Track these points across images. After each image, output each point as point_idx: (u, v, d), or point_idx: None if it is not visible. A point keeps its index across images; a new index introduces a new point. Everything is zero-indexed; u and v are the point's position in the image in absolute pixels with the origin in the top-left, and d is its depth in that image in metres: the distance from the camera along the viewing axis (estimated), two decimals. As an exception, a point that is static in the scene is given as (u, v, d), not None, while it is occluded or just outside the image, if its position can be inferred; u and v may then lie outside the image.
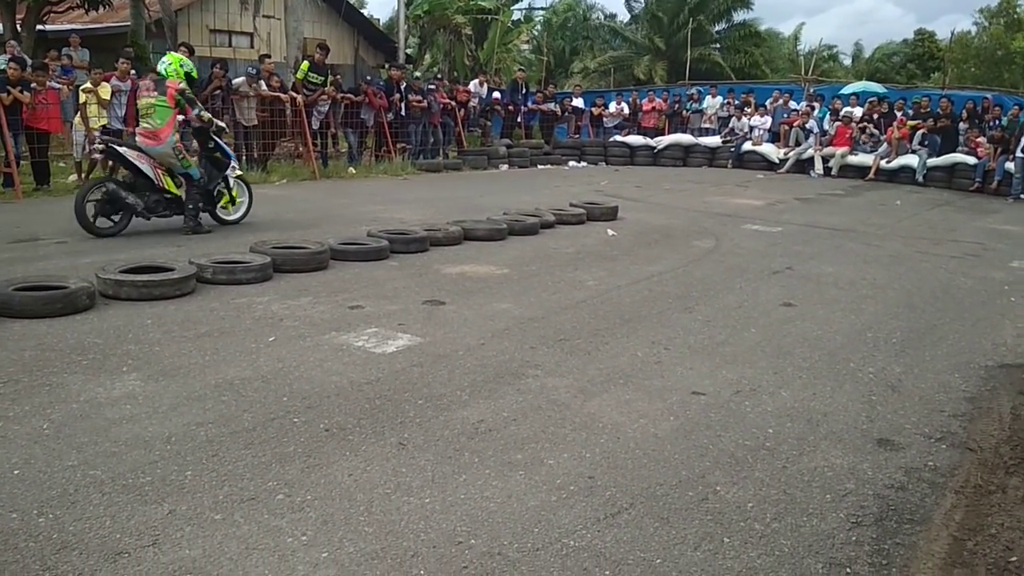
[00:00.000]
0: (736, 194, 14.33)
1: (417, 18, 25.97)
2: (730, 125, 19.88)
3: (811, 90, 20.68)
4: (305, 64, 14.54)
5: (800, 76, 23.83)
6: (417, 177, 15.01)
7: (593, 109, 20.76)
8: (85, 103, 11.34)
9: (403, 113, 15.98)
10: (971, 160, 16.52)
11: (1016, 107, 16.77)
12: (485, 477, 3.40)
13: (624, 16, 35.91)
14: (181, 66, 8.23)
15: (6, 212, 9.60)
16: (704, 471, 3.57)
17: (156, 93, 8.16)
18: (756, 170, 18.51)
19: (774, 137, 19.22)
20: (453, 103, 17.53)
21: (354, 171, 14.80)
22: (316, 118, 14.42)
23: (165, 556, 2.73)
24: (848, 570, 2.87)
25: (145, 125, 8.18)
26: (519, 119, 19.86)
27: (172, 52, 8.89)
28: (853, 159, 17.74)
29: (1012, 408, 4.55)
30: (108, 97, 11.47)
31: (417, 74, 19.39)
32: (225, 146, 9.11)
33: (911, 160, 17.06)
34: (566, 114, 20.47)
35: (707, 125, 20.43)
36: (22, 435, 3.59)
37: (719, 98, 20.71)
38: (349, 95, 14.93)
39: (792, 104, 19.56)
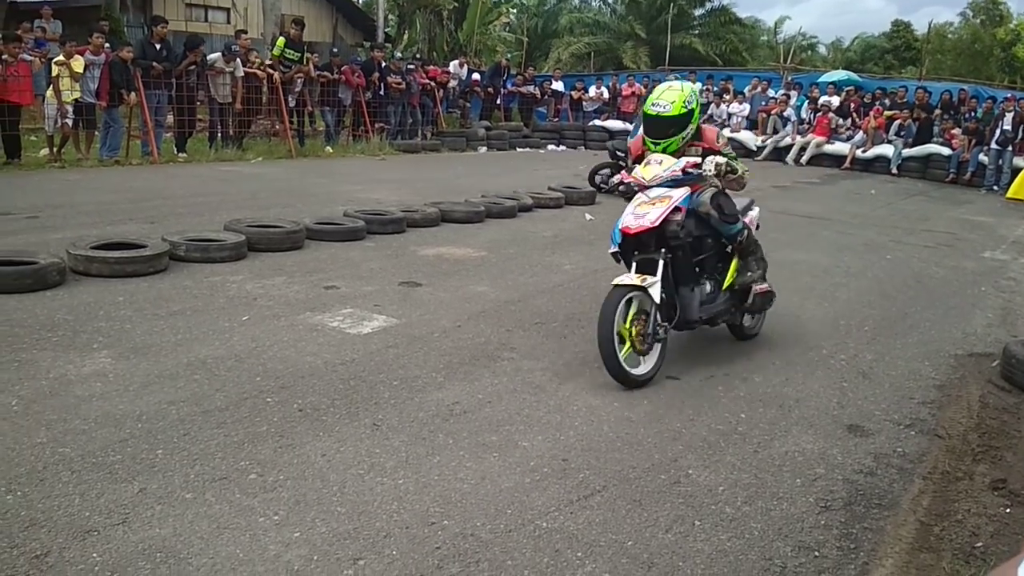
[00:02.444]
0: (713, 181, 14.35)
1: (396, -3, 25.73)
2: (709, 112, 19.90)
3: (789, 78, 20.77)
4: (281, 40, 14.38)
5: (779, 64, 23.90)
6: (395, 158, 14.91)
7: (573, 93, 20.71)
8: (58, 76, 11.12)
9: (382, 93, 15.86)
10: (946, 151, 16.70)
11: (990, 99, 16.96)
12: (459, 459, 3.40)
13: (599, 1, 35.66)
14: None
15: (-25, 185, 9.41)
16: (677, 455, 3.59)
17: None
18: (734, 157, 18.57)
19: (752, 125, 19.29)
20: (432, 84, 17.41)
21: (331, 150, 14.68)
22: (292, 96, 14.26)
23: (135, 535, 2.71)
24: (816, 553, 2.91)
25: None
26: (498, 101, 19.77)
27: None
28: (829, 148, 17.86)
29: (980, 396, 4.62)
30: (81, 70, 11.25)
31: (398, 54, 19.20)
32: None
33: (886, 150, 17.21)
34: (545, 97, 20.41)
35: (686, 111, 20.43)
36: (-11, 412, 3.54)
37: (698, 84, 20.69)
38: (325, 73, 14.77)
39: (770, 92, 19.64)
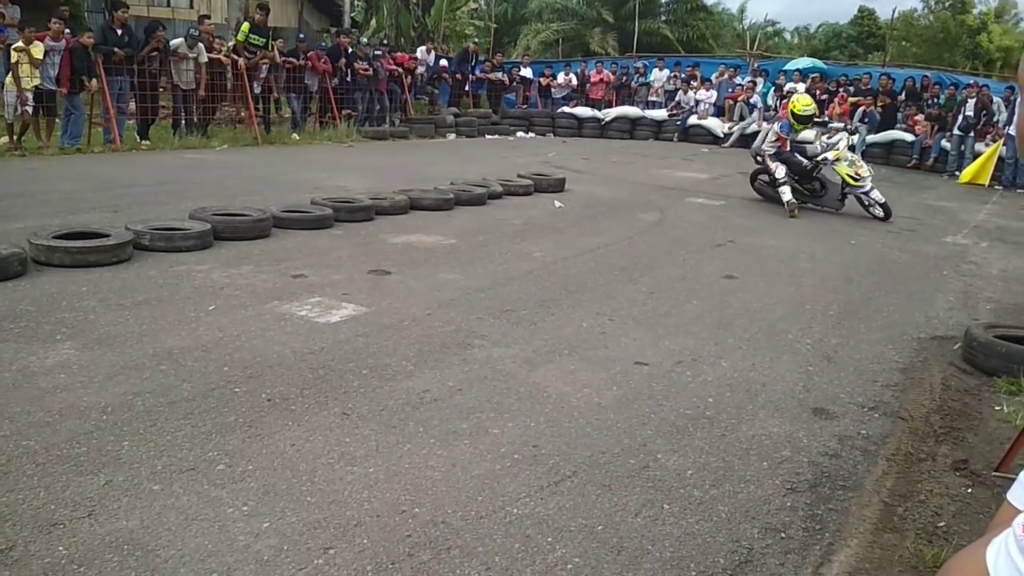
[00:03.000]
0: (681, 167, 14.47)
1: (363, -18, 25.47)
2: (676, 99, 20.01)
3: (756, 65, 20.90)
4: (246, 26, 14.18)
5: (746, 51, 24.01)
6: (362, 145, 14.81)
7: (541, 80, 20.68)
8: (17, 62, 10.87)
9: (348, 79, 15.72)
10: (909, 137, 16.92)
11: (952, 86, 17.20)
12: (430, 446, 3.41)
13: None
14: None
15: (-69, 174, 9.20)
16: (646, 439, 3.62)
17: None
18: (701, 144, 18.70)
19: (719, 111, 19.40)
20: (400, 70, 17.29)
21: (297, 137, 14.54)
22: (258, 82, 14.09)
23: (102, 527, 2.68)
24: (783, 535, 2.95)
25: None
26: (467, 88, 19.68)
27: None
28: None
29: (943, 378, 4.71)
30: (41, 57, 11.02)
31: (364, 39, 19.01)
32: None
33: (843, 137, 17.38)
34: (514, 84, 20.36)
35: (654, 98, 20.52)
36: (-50, 405, 3.47)
37: (666, 71, 20.80)
38: (291, 59, 14.60)
39: (737, 79, 19.75)
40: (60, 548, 2.56)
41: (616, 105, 20.48)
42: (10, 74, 11.00)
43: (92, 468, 3.04)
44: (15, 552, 2.53)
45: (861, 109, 17.45)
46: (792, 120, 10.08)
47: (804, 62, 21.41)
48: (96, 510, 2.77)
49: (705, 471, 3.37)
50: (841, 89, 18.16)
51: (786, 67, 20.28)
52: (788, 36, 41.60)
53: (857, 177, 9.86)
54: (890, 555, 2.92)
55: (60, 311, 4.76)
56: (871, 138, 17.18)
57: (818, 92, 18.38)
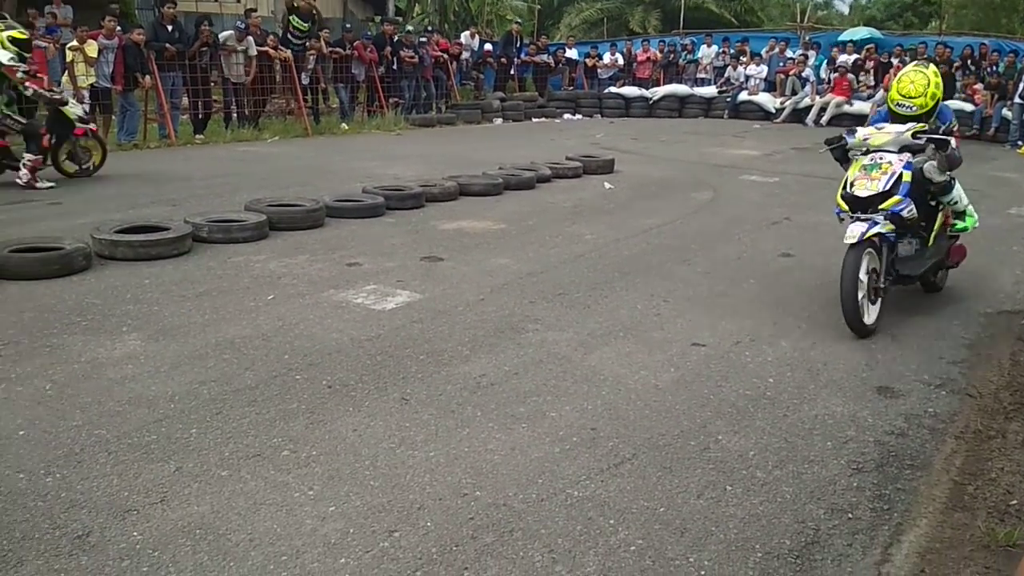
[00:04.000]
0: (733, 145, 14.24)
1: (406, -31, 25.52)
2: (726, 75, 19.66)
3: (807, 38, 20.43)
4: (293, 18, 14.31)
5: (796, 24, 23.49)
6: (410, 132, 14.87)
7: (587, 60, 20.50)
8: (72, 61, 11.15)
9: (395, 67, 15.78)
10: (968, 107, 16.40)
11: (1012, 53, 16.61)
12: (488, 430, 3.42)
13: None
14: None
15: (-3, 173, 9.48)
16: (705, 421, 3.59)
17: None
18: (752, 120, 18.37)
19: (770, 86, 19.03)
20: (445, 56, 17.29)
21: (346, 127, 14.65)
22: (306, 74, 14.23)
23: (174, 512, 2.75)
24: (850, 515, 2.91)
25: None
26: (512, 72, 19.60)
27: None
28: (850, 108, 17.57)
29: (1011, 354, 4.58)
30: (95, 55, 11.27)
31: (409, 27, 19.04)
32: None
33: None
34: (560, 66, 20.21)
35: (703, 75, 20.19)
36: (25, 396, 3.59)
37: (714, 47, 20.43)
38: (338, 49, 14.71)
39: (788, 53, 19.33)
40: (135, 533, 2.64)
41: (664, 83, 20.21)
42: (66, 73, 11.28)
43: (162, 455, 3.12)
44: (92, 538, 2.61)
45: (918, 79, 16.94)
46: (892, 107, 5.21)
47: (859, 32, 20.80)
48: (168, 496, 2.85)
49: (768, 452, 3.33)
50: (896, 59, 17.66)
51: (840, 37, 19.77)
52: (840, 7, 40.65)
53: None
54: (961, 535, 2.85)
55: (125, 303, 4.89)
56: (929, 109, 16.69)
57: (872, 64, 17.94)
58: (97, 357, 4.06)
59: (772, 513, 2.90)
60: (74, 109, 8.84)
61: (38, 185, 8.25)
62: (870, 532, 2.82)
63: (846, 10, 40.29)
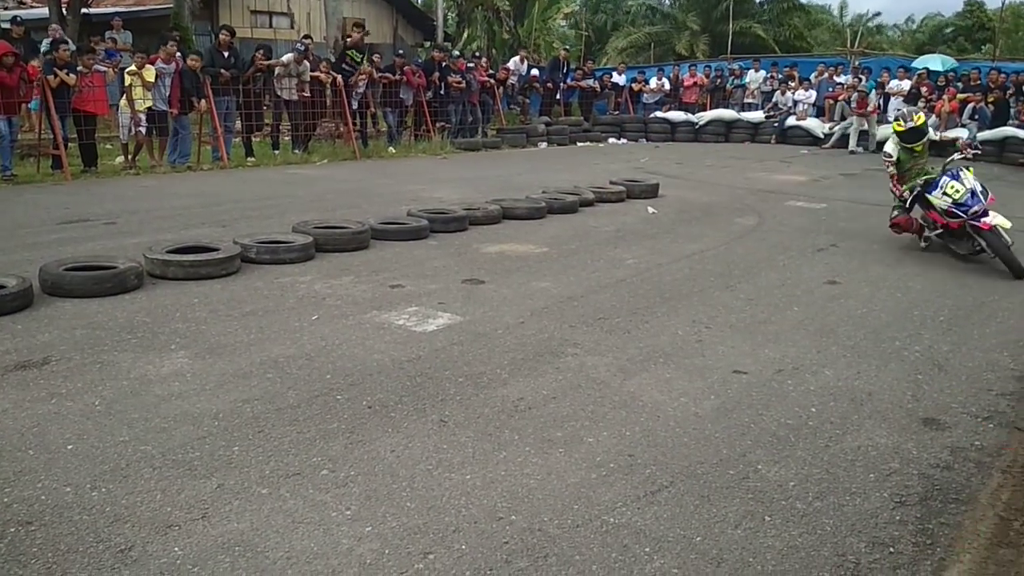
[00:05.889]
0: (779, 170, 14.12)
1: (455, -4, 25.90)
2: (773, 100, 19.55)
3: (857, 63, 20.21)
4: (352, 52, 14.58)
5: (846, 49, 23.28)
6: (456, 156, 15.03)
7: (633, 85, 20.54)
8: (131, 85, 11.51)
9: (442, 92, 15.98)
10: (1022, 133, 16.06)
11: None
12: (525, 454, 3.43)
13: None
14: None
15: (55, 194, 9.80)
16: (745, 450, 3.55)
17: None
18: (800, 145, 18.20)
19: (819, 112, 18.85)
20: (492, 81, 17.46)
21: (393, 151, 14.86)
22: (355, 98, 14.48)
23: (214, 529, 2.80)
24: (891, 549, 2.85)
25: None
26: (558, 96, 19.72)
27: None
28: (865, 127, 17.37)
29: (1063, 387, 4.45)
30: (153, 79, 11.62)
31: (456, 53, 19.29)
32: None
33: (961, 134, 16.62)
34: (605, 90, 20.28)
35: (750, 100, 20.11)
36: (75, 411, 3.69)
37: (762, 72, 20.34)
38: (387, 74, 14.95)
39: (840, 79, 19.12)
40: (176, 549, 2.69)
41: (710, 108, 20.15)
42: (124, 96, 11.65)
43: (205, 472, 3.18)
44: (134, 552, 2.67)
45: (971, 105, 16.67)
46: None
47: (931, 60, 20.21)
48: (209, 512, 2.90)
49: (808, 483, 3.28)
50: (949, 85, 17.38)
51: (913, 64, 19.39)
52: (890, 32, 40.19)
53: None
54: (1006, 571, 2.78)
55: (174, 322, 5.00)
56: (982, 135, 16.36)
57: (924, 90, 17.67)
58: (145, 374, 4.16)
59: (811, 545, 2.85)
60: None
61: None
62: (912, 567, 2.76)
63: (894, 33, 39.74)
